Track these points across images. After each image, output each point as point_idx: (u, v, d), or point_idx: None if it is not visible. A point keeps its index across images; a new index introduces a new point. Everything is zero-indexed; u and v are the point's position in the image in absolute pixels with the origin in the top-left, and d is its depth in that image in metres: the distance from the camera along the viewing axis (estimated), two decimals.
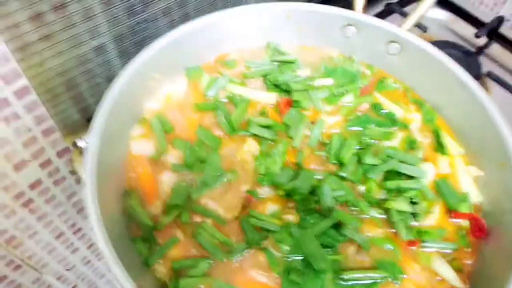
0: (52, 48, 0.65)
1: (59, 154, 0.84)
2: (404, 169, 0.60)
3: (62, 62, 0.69)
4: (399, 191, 0.59)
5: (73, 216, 1.01)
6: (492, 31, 1.03)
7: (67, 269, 1.12)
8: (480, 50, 1.04)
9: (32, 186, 0.84)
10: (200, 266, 0.52)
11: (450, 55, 0.95)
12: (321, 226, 0.55)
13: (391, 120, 0.67)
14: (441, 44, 0.97)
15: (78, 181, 0.94)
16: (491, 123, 0.59)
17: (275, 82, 0.68)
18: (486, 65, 0.98)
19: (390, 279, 0.53)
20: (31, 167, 0.80)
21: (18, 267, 0.95)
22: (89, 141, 0.53)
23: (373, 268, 0.54)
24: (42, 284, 1.08)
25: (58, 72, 0.70)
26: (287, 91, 0.68)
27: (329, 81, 0.71)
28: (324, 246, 0.54)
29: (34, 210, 0.89)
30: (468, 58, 0.97)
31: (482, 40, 1.04)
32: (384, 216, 0.59)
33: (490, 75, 0.90)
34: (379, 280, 0.53)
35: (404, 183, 0.59)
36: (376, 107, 0.69)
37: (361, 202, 0.58)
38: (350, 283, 0.52)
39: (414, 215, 0.58)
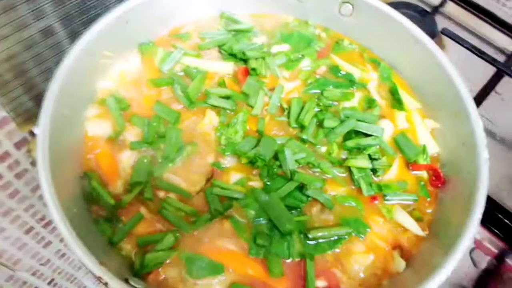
0: None
1: (17, 146, 0.81)
2: (362, 127, 0.61)
3: (8, 47, 0.66)
4: (360, 149, 0.60)
5: (41, 210, 0.98)
6: None
7: (41, 264, 1.10)
8: (436, 9, 1.05)
9: None
10: (165, 240, 0.51)
11: (406, 14, 0.96)
12: (284, 189, 0.55)
13: (350, 81, 0.68)
14: (396, 4, 0.98)
15: None
16: (445, 76, 0.61)
17: (230, 51, 0.67)
18: (442, 24, 0.99)
19: (354, 234, 0.54)
20: None
21: None
22: (40, 125, 0.52)
23: (337, 225, 0.55)
24: (17, 281, 1.05)
25: (4, 58, 0.67)
26: (244, 60, 0.68)
27: (285, 47, 0.70)
28: (289, 208, 0.55)
29: None
30: (423, 17, 0.98)
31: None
32: (345, 175, 0.59)
33: (444, 32, 0.91)
34: (345, 236, 0.54)
35: (362, 141, 0.59)
36: (334, 69, 0.69)
37: (322, 163, 0.58)
38: (315, 241, 0.53)
39: (374, 171, 0.59)
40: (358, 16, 0.69)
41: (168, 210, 0.54)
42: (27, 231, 0.99)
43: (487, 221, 0.72)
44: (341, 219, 0.55)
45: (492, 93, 0.90)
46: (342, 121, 0.61)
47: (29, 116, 0.77)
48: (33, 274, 1.10)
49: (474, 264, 0.70)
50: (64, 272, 1.22)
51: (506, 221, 0.72)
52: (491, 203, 0.73)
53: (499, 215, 0.73)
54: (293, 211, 0.55)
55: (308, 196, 0.56)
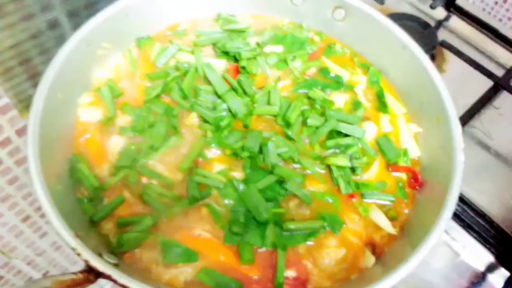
0: (1, 20, 0.65)
1: (18, 133, 0.84)
2: (343, 128, 0.62)
3: (13, 35, 0.69)
4: (340, 148, 0.61)
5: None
6: (449, 3, 1.05)
7: (36, 254, 1.12)
8: (440, 23, 1.07)
9: None
10: (144, 222, 0.53)
11: (406, 26, 0.97)
12: (264, 181, 0.57)
13: (338, 82, 0.69)
14: (398, 16, 0.99)
15: None
16: (429, 80, 0.62)
17: (223, 49, 0.70)
18: (445, 37, 1.00)
19: (328, 229, 0.55)
20: None
21: None
22: (33, 105, 0.54)
23: (313, 219, 0.55)
24: (12, 269, 1.07)
25: (9, 45, 0.70)
26: (236, 58, 0.70)
27: (278, 48, 0.72)
28: (267, 200, 0.56)
29: None
30: (424, 30, 0.99)
31: (441, 13, 1.06)
32: (325, 172, 0.60)
33: (443, 44, 0.92)
34: (319, 230, 0.55)
35: (342, 141, 0.61)
36: (324, 71, 0.71)
37: (303, 159, 0.60)
38: (290, 233, 0.54)
39: (354, 169, 0.60)
40: (350, 21, 0.71)
41: (150, 195, 0.56)
42: (24, 219, 1.01)
43: (477, 234, 0.72)
44: (318, 214, 0.56)
45: (490, 107, 0.91)
46: (326, 120, 0.63)
47: (30, 103, 0.80)
48: (28, 264, 1.12)
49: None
50: (59, 266, 1.23)
51: (493, 232, 0.72)
52: (482, 216, 0.73)
53: (488, 228, 0.73)
54: (270, 203, 0.56)
55: (286, 190, 0.57)
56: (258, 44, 0.72)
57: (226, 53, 0.70)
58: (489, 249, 0.72)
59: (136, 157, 0.59)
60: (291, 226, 0.54)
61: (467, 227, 0.73)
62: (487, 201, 0.77)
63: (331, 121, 0.62)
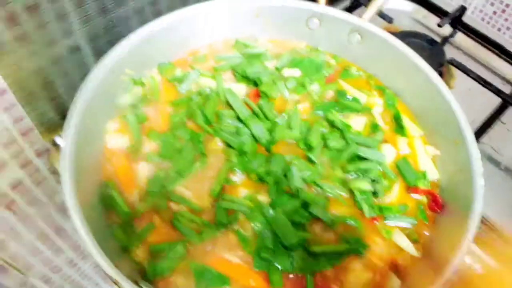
0: (26, 47, 0.67)
1: (38, 153, 0.85)
2: (363, 152, 0.64)
3: (37, 62, 0.71)
4: (361, 172, 0.63)
5: (56, 218, 1.01)
6: (456, 20, 1.07)
7: (53, 272, 1.13)
8: (445, 40, 1.09)
9: (13, 187, 0.85)
10: (177, 249, 0.54)
11: (414, 43, 1.00)
12: (290, 205, 0.58)
13: (356, 105, 0.71)
14: (406, 34, 1.02)
15: (59, 181, 0.95)
16: (445, 105, 0.64)
17: (243, 74, 0.71)
18: (450, 54, 1.02)
19: (354, 253, 0.57)
20: (10, 168, 0.81)
21: (3, 269, 0.96)
22: (66, 137, 0.56)
23: (339, 243, 0.57)
24: (29, 287, 1.08)
25: (34, 71, 0.72)
26: (256, 83, 0.72)
27: (296, 72, 0.74)
28: (293, 224, 0.57)
29: (17, 212, 0.89)
30: (432, 47, 1.01)
31: (447, 30, 1.08)
32: (348, 195, 0.62)
33: (452, 62, 0.95)
34: (345, 254, 0.56)
35: (363, 165, 0.63)
36: (341, 94, 0.73)
37: (325, 183, 0.61)
38: (317, 257, 0.56)
39: (375, 193, 0.61)
40: (365, 45, 0.73)
41: (180, 221, 0.57)
42: (42, 238, 1.02)
43: None
44: (342, 237, 0.58)
45: (498, 123, 0.93)
46: (347, 143, 0.65)
47: (52, 126, 0.82)
48: (45, 281, 1.13)
49: None
50: (74, 282, 1.24)
51: None
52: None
53: None
54: (297, 227, 0.58)
55: (311, 214, 0.59)
56: (276, 68, 0.74)
57: (245, 78, 0.72)
58: None
59: (164, 183, 0.60)
60: (318, 250, 0.55)
61: None
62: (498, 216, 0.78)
63: (352, 145, 0.64)
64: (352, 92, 0.73)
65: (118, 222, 0.57)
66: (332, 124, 0.68)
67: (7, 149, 0.77)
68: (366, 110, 0.71)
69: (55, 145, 0.76)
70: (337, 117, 0.67)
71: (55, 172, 0.91)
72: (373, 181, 0.62)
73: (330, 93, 0.73)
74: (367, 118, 0.70)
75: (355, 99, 0.72)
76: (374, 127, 0.69)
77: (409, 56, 0.68)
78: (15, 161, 0.81)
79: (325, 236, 0.58)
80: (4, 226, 0.89)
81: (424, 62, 0.67)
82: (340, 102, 0.72)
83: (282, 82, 0.72)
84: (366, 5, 1.04)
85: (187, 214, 0.57)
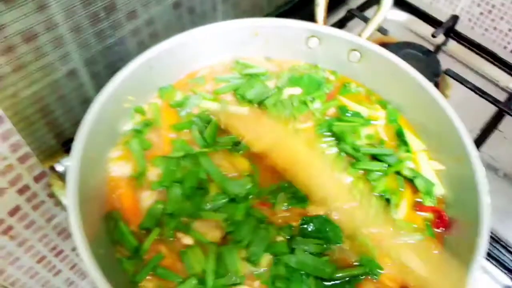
0: (25, 78, 0.66)
1: (36, 179, 0.84)
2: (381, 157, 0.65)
3: (36, 91, 0.70)
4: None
5: (53, 239, 1.00)
6: (449, 29, 1.08)
7: None
8: (438, 48, 1.10)
9: (11, 213, 0.83)
10: (187, 282, 0.54)
11: (409, 55, 1.01)
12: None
13: (359, 118, 0.72)
14: (401, 45, 1.02)
15: (57, 203, 0.94)
16: (447, 121, 0.64)
17: (245, 97, 0.71)
18: (444, 62, 1.03)
19: (369, 276, 0.57)
20: (8, 195, 0.80)
21: None
22: (69, 167, 0.55)
23: (353, 266, 0.57)
24: None
25: (33, 101, 0.71)
26: (258, 103, 0.71)
27: (297, 90, 0.74)
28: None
29: (14, 237, 0.88)
30: (427, 57, 1.02)
31: (440, 39, 1.09)
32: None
33: (448, 73, 0.95)
34: (360, 277, 0.56)
35: (369, 166, 0.65)
36: (342, 109, 0.73)
37: None
38: (332, 282, 0.55)
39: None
40: (365, 62, 0.74)
41: (189, 256, 0.56)
42: (40, 260, 1.01)
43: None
44: (356, 259, 0.58)
45: (495, 131, 0.94)
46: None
47: (51, 152, 0.81)
48: None
49: None
50: None
51: (508, 256, 0.74)
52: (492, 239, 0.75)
53: (501, 251, 0.75)
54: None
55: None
56: (277, 87, 0.74)
57: (248, 100, 0.72)
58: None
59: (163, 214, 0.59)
60: (335, 277, 0.55)
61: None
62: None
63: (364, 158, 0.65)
64: (352, 106, 0.73)
65: (126, 255, 0.56)
66: (338, 138, 0.68)
67: (5, 177, 0.76)
68: (368, 123, 0.72)
69: (55, 171, 0.75)
70: (344, 125, 0.68)
71: (52, 196, 0.90)
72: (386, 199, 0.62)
73: (331, 110, 0.73)
74: (370, 131, 0.71)
75: (356, 114, 0.72)
76: (380, 142, 0.69)
77: (410, 73, 0.68)
78: (13, 188, 0.80)
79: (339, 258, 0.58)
80: (2, 252, 0.87)
81: (425, 79, 0.67)
82: (343, 118, 0.72)
83: (284, 102, 0.71)
84: (361, 18, 1.05)
85: (198, 252, 0.56)
